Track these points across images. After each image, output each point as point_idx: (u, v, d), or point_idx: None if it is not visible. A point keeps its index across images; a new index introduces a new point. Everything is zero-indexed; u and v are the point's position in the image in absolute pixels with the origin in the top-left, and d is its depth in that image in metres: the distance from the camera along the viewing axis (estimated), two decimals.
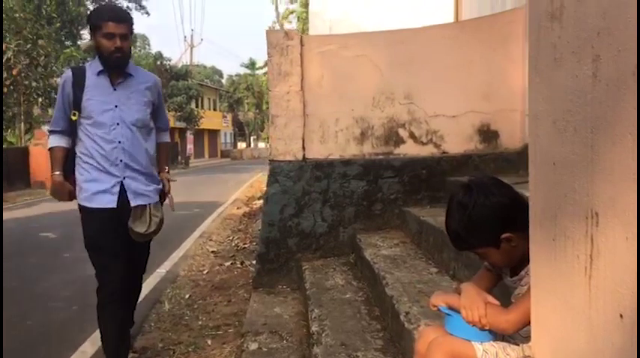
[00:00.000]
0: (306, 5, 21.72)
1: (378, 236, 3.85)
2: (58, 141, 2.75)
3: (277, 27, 23.44)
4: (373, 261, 3.14)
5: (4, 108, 15.87)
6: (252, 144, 56.10)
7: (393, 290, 2.56)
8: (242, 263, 5.91)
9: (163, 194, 2.91)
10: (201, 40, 60.81)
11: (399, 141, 4.18)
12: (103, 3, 5.16)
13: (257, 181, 17.61)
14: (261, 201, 11.34)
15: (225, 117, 51.06)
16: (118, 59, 2.66)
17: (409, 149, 4.18)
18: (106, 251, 2.67)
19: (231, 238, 7.74)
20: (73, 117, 2.67)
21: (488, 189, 1.48)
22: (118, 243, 2.69)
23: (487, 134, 4.17)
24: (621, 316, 0.98)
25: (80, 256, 3.24)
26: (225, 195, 14.02)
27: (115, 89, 2.71)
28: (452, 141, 4.16)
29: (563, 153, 1.16)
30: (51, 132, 2.80)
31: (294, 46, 4.03)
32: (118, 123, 2.68)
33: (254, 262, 5.94)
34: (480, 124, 4.15)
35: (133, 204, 2.69)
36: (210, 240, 7.61)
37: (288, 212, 4.12)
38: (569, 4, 1.12)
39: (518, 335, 1.48)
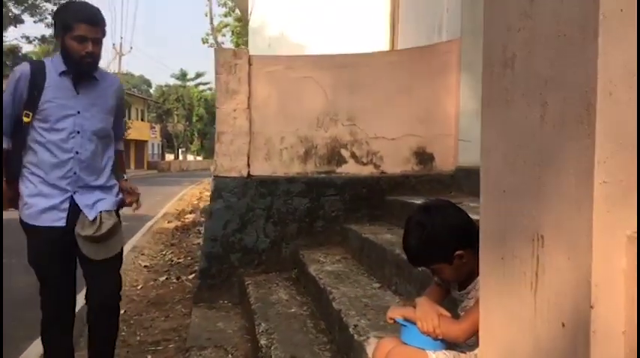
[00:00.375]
0: (240, 19, 21.77)
1: (320, 252, 3.97)
2: None
3: (211, 39, 23.25)
4: (318, 276, 3.25)
5: None
6: (180, 157, 55.09)
7: (340, 305, 2.68)
8: (178, 278, 5.85)
9: (123, 204, 2.66)
10: (131, 48, 59.13)
11: (341, 160, 4.35)
12: None
13: (187, 195, 17.35)
14: (193, 215, 11.29)
15: (154, 128, 49.92)
16: (89, 65, 2.42)
17: (350, 168, 4.35)
18: (51, 277, 2.46)
19: (164, 252, 7.63)
20: (25, 119, 2.37)
21: (445, 210, 1.65)
22: (67, 267, 2.48)
23: (423, 156, 4.41)
24: (563, 325, 1.14)
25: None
26: (155, 209, 13.71)
27: (77, 93, 2.45)
28: (390, 162, 4.37)
29: (513, 182, 1.33)
30: None
31: (243, 65, 4.13)
32: (78, 132, 2.42)
33: (190, 277, 5.94)
34: (417, 147, 4.39)
35: (90, 217, 2.42)
36: (142, 254, 7.47)
37: (232, 228, 4.18)
38: (520, 54, 1.30)
39: (465, 344, 1.64)
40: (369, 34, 8.65)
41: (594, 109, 1.05)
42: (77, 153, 2.44)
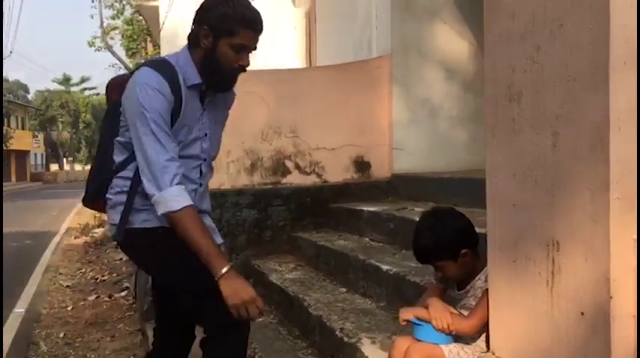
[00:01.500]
0: (131, 22, 21.05)
1: (273, 261, 4.11)
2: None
3: (98, 42, 22.19)
4: (284, 284, 3.40)
5: None
6: (66, 167, 51.96)
7: (318, 310, 2.85)
8: (110, 296, 5.69)
9: None
10: (11, 52, 54.64)
11: (286, 171, 4.51)
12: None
13: (84, 208, 16.53)
14: (102, 229, 10.83)
15: (36, 136, 46.70)
16: (235, 79, 1.95)
17: (295, 179, 4.53)
18: None
19: (82, 270, 7.33)
20: None
21: (452, 214, 1.90)
22: None
23: (361, 165, 4.69)
24: (582, 314, 1.41)
25: None
26: (55, 224, 13.01)
27: (204, 110, 1.96)
28: (332, 171, 4.61)
29: (523, 198, 1.59)
30: (167, 169, 1.78)
31: None
32: (205, 159, 1.99)
33: (123, 294, 5.81)
34: (356, 156, 4.66)
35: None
36: (60, 273, 7.14)
37: None
38: (527, 92, 1.56)
39: (468, 337, 1.89)
40: (283, 47, 8.91)
41: (607, 141, 1.32)
42: (200, 185, 1.99)
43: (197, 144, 1.95)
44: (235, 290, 1.73)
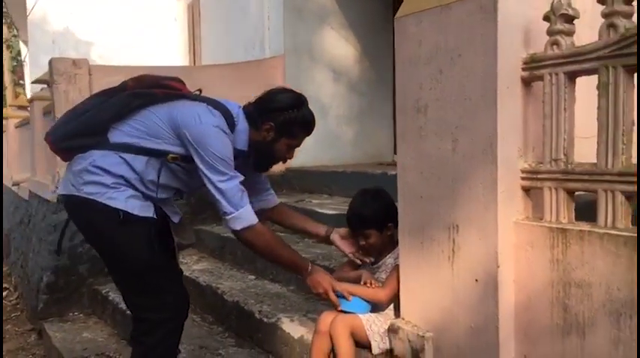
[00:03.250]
0: None
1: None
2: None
3: None
4: (193, 275, 3.57)
5: None
6: None
7: (234, 297, 3.08)
8: None
9: None
10: None
11: None
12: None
13: None
14: None
15: None
16: (272, 166, 2.28)
17: None
18: None
19: None
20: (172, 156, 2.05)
21: (386, 193, 2.29)
22: None
23: None
24: (476, 280, 1.82)
25: None
26: None
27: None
28: None
29: (429, 191, 1.97)
30: (240, 190, 2.03)
31: (83, 75, 4.13)
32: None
33: (5, 294, 5.54)
34: None
35: None
36: None
37: (79, 238, 4.16)
38: (432, 106, 1.93)
39: (381, 307, 2.26)
40: (162, 38, 8.84)
41: (496, 146, 1.73)
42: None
43: (189, 184, 2.17)
44: (316, 284, 2.17)
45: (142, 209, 2.06)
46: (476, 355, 1.84)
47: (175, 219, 2.20)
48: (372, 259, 2.33)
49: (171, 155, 2.04)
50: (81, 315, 4.13)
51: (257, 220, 2.06)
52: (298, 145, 2.21)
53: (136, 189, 2.06)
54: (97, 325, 3.90)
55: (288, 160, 2.27)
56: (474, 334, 1.84)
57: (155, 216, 2.10)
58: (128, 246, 2.05)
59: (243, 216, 2.02)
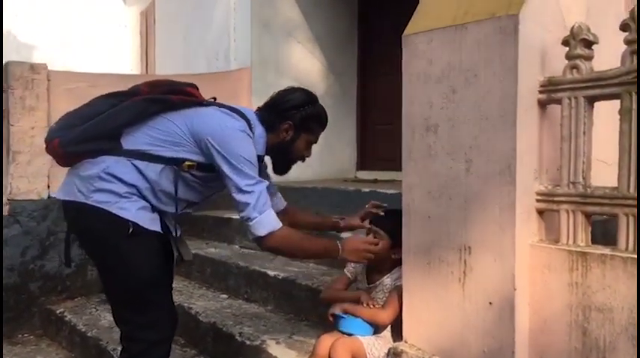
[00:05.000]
0: None
1: None
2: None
3: None
4: None
5: None
6: None
7: (210, 317, 2.94)
8: None
9: None
10: None
11: None
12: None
13: None
14: None
15: None
16: (291, 166, 2.23)
17: None
18: None
19: None
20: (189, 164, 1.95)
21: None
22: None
23: None
24: (490, 303, 1.79)
25: None
26: None
27: None
28: None
29: (438, 211, 1.93)
30: (263, 195, 1.95)
31: (42, 81, 3.89)
32: (188, 203, 2.10)
33: None
34: None
35: None
36: None
37: (31, 254, 3.89)
38: (443, 125, 1.91)
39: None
40: (110, 44, 8.56)
41: (515, 168, 1.72)
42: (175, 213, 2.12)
43: (200, 194, 2.08)
44: (352, 252, 2.11)
45: (151, 222, 1.95)
46: None
47: (176, 233, 2.07)
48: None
49: (187, 163, 1.93)
50: (31, 337, 3.84)
51: (281, 224, 1.96)
52: (316, 141, 2.21)
53: (146, 200, 1.95)
54: (51, 347, 3.64)
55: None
56: None
57: (161, 231, 1.98)
58: (132, 259, 1.93)
59: (266, 220, 1.92)
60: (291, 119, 2.10)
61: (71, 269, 3.99)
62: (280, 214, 2.31)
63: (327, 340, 2.12)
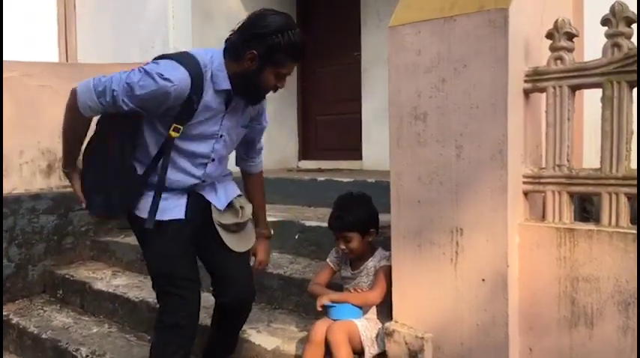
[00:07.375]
0: None
1: (83, 269, 3.85)
2: None
3: None
4: (120, 291, 3.28)
5: None
6: None
7: None
8: None
9: None
10: None
11: None
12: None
13: None
14: None
15: None
16: (264, 96, 2.07)
17: None
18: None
19: None
20: (174, 134, 1.92)
21: (370, 199, 2.29)
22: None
23: None
24: (483, 280, 1.91)
25: None
26: None
27: (226, 113, 2.02)
28: None
29: (428, 195, 2.02)
30: None
31: None
32: (213, 159, 2.05)
33: None
34: None
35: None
36: None
37: None
38: (432, 113, 2.00)
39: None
40: (25, 34, 7.99)
41: (506, 153, 1.83)
42: (203, 181, 2.10)
43: (209, 143, 2.03)
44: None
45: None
46: (483, 350, 1.93)
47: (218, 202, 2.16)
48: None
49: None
50: None
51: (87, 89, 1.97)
52: (289, 73, 2.00)
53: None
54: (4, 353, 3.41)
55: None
56: (480, 331, 1.93)
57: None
58: None
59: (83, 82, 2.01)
60: (255, 48, 1.88)
61: (11, 270, 3.76)
62: (245, 176, 2.40)
63: (321, 326, 2.17)
